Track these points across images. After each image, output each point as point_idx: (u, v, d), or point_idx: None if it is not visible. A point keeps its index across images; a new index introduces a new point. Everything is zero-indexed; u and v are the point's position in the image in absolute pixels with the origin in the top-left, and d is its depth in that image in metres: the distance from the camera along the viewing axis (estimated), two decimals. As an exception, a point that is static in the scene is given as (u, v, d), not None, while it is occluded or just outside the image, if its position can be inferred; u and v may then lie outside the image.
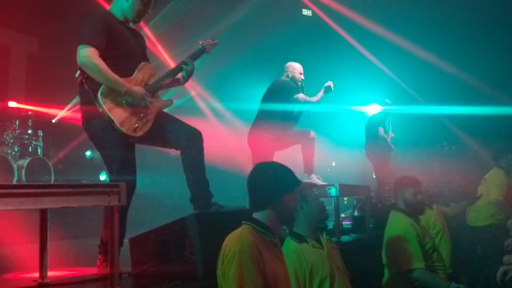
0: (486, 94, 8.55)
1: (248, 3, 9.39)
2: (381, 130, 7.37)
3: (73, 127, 7.33)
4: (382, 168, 7.42)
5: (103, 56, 3.18)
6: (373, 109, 8.17)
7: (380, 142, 7.35)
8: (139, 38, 3.61)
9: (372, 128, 7.49)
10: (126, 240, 3.33)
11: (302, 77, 5.59)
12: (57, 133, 8.21)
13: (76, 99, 6.53)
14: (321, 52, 9.48)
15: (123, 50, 3.35)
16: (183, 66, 3.57)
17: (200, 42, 3.78)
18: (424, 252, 3.88)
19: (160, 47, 9.09)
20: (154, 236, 3.18)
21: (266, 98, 5.53)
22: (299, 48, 9.32)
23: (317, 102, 5.35)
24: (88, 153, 8.29)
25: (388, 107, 7.67)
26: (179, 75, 3.65)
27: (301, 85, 5.56)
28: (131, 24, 3.55)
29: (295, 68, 5.59)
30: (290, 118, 5.50)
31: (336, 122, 9.39)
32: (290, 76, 5.55)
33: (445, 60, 8.99)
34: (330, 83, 5.31)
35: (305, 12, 10.28)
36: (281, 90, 5.44)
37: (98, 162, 7.84)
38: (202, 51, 3.76)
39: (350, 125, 9.38)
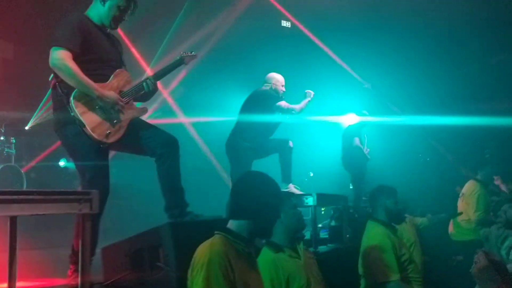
0: (460, 105, 8.70)
1: (227, 13, 9.42)
2: (357, 140, 7.41)
3: (47, 135, 7.19)
4: (359, 179, 7.45)
5: (78, 60, 3.12)
6: (350, 119, 8.23)
7: (356, 152, 7.39)
8: (116, 44, 3.57)
9: (348, 138, 7.54)
10: (98, 250, 3.25)
11: (284, 89, 5.64)
12: (30, 141, 8.04)
13: (49, 104, 6.44)
14: (299, 62, 9.54)
15: (99, 55, 3.30)
16: (144, 84, 3.48)
17: (179, 53, 3.79)
18: (400, 264, 3.88)
19: (138, 56, 9.05)
20: (127, 245, 3.12)
21: (245, 107, 5.53)
22: (278, 58, 9.35)
23: (300, 110, 5.44)
24: (62, 163, 8.12)
25: (364, 118, 7.73)
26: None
27: (282, 97, 5.59)
28: (108, 30, 3.50)
29: (278, 80, 5.63)
30: (268, 127, 5.51)
31: (315, 132, 9.43)
32: (273, 88, 5.58)
33: (421, 72, 9.14)
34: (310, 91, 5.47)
35: (284, 23, 10.35)
36: (262, 99, 5.46)
37: (72, 171, 7.70)
38: (180, 62, 3.76)
39: (329, 135, 9.43)
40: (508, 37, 8.57)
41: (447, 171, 8.81)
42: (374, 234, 4.04)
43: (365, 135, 7.76)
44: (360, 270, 4.07)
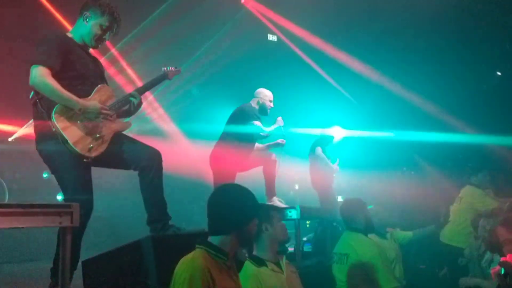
0: (442, 121, 8.80)
1: (214, 26, 9.48)
2: (319, 149, 7.37)
3: (30, 146, 7.11)
4: (327, 192, 7.37)
5: (59, 77, 3.13)
6: (335, 131, 8.24)
7: (321, 163, 7.36)
8: (96, 62, 3.59)
9: (312, 150, 7.52)
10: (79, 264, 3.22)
11: (272, 104, 5.67)
12: (13, 152, 7.95)
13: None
14: (285, 75, 9.60)
15: (80, 72, 3.31)
16: (130, 98, 3.51)
17: (163, 68, 3.81)
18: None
19: (126, 68, 9.07)
20: (109, 258, 3.09)
21: (230, 121, 5.57)
22: (265, 71, 9.42)
23: (269, 134, 5.50)
24: (45, 174, 8.02)
25: (327, 131, 7.74)
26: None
27: (267, 112, 5.64)
28: (89, 49, 3.53)
29: (266, 95, 5.67)
30: (252, 141, 5.53)
31: (300, 144, 9.47)
32: (261, 102, 5.62)
33: (403, 88, 9.23)
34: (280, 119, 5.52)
35: (270, 37, 10.43)
36: (242, 115, 5.49)
37: (55, 183, 7.61)
38: (163, 77, 3.79)
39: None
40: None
41: (431, 184, 8.88)
42: (365, 247, 4.10)
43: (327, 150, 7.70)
44: (347, 282, 4.07)
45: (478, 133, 8.46)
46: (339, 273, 4.17)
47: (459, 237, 5.88)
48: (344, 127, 8.21)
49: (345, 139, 8.66)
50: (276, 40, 10.35)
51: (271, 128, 5.47)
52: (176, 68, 3.86)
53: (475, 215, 5.57)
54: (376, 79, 9.39)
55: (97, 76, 3.46)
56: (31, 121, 3.26)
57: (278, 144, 5.57)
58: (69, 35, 3.42)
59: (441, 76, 9.02)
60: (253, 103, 5.67)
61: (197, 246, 2.39)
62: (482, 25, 8.51)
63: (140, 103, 3.56)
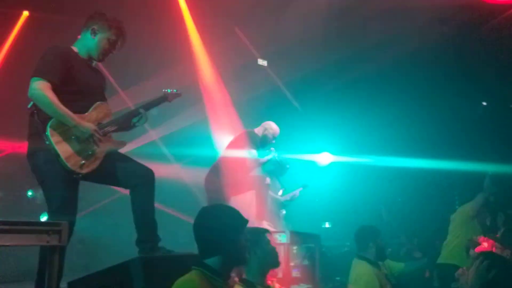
0: (427, 148, 8.86)
1: (204, 51, 9.51)
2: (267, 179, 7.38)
3: (13, 165, 7.01)
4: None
5: (59, 91, 3.14)
6: (324, 157, 8.28)
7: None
8: (99, 77, 3.60)
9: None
10: (65, 285, 3.13)
11: (273, 141, 5.66)
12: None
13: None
14: (276, 101, 9.64)
15: (80, 87, 3.32)
16: (140, 110, 3.54)
17: (163, 90, 3.81)
18: None
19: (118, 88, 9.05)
20: (95, 280, 3.03)
21: (229, 145, 5.58)
22: (255, 97, 9.45)
23: (261, 163, 5.51)
24: (29, 193, 7.88)
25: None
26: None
27: (271, 142, 5.67)
28: (94, 63, 3.55)
29: (272, 128, 5.70)
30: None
31: (289, 170, 9.49)
32: (264, 134, 5.65)
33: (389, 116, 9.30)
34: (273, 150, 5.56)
35: (260, 62, 10.46)
36: (242, 139, 5.48)
37: (40, 202, 7.48)
38: (163, 99, 3.78)
39: (303, 173, 9.43)
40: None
41: (419, 212, 8.89)
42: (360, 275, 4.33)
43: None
44: None
45: (464, 160, 8.51)
46: None
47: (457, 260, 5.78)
48: (333, 153, 8.24)
49: (333, 164, 8.70)
50: (266, 65, 10.39)
51: (265, 159, 5.47)
52: (175, 91, 3.85)
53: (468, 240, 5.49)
54: (362, 108, 9.44)
55: (97, 92, 3.47)
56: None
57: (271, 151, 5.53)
58: (74, 49, 3.44)
59: (428, 105, 9.12)
60: (258, 131, 5.68)
61: (193, 267, 2.36)
62: (468, 57, 8.66)
63: (146, 119, 3.58)
